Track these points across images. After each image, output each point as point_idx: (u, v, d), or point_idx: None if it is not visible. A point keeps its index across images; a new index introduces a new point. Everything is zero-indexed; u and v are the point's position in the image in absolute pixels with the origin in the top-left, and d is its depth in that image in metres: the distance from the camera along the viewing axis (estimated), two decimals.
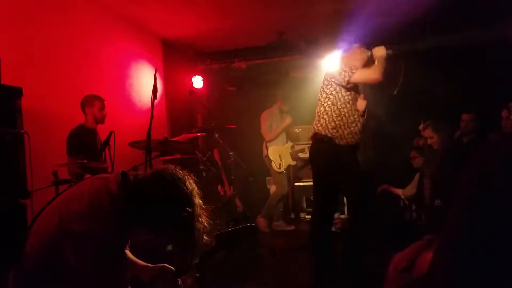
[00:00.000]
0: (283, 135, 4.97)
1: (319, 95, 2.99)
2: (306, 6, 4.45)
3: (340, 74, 2.82)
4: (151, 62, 4.92)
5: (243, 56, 5.84)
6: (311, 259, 2.93)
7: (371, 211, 3.01)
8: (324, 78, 2.97)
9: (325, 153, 2.86)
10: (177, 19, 4.57)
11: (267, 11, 4.58)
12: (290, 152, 4.95)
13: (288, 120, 4.86)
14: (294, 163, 5.02)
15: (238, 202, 4.48)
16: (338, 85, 2.85)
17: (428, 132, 3.83)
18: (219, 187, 4.38)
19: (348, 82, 2.81)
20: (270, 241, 4.13)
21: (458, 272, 0.73)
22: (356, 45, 2.95)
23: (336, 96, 2.88)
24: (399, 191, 4.47)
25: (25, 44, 3.12)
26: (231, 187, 4.41)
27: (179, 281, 1.56)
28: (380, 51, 2.81)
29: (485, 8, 4.09)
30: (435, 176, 3.74)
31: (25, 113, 2.40)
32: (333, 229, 4.43)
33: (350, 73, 2.77)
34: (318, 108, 2.97)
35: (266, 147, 4.82)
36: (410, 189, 4.32)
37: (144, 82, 4.65)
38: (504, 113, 4.07)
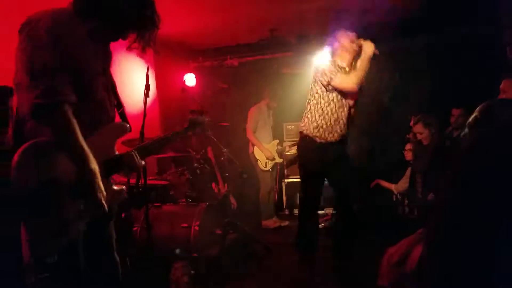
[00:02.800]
0: (270, 133, 4.97)
1: (309, 91, 3.04)
2: (297, 2, 4.45)
3: (322, 75, 2.87)
4: (143, 59, 4.88)
5: (235, 53, 5.83)
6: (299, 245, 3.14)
7: (354, 203, 3.11)
8: (313, 74, 3.01)
9: (307, 152, 3.01)
10: (168, 16, 4.52)
11: (258, 8, 4.57)
12: (276, 150, 4.95)
13: (275, 143, 4.95)
14: (280, 160, 5.04)
15: (232, 199, 4.49)
16: (322, 86, 2.92)
17: (418, 127, 3.87)
18: (213, 184, 4.38)
19: (328, 85, 2.88)
20: (264, 237, 4.14)
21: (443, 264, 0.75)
22: (350, 34, 2.95)
23: (321, 94, 2.93)
24: (392, 186, 4.51)
25: (16, 42, 3.08)
26: (225, 184, 4.41)
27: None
28: (369, 47, 2.83)
29: (476, 3, 4.13)
30: (427, 171, 3.78)
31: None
32: (325, 225, 4.49)
33: (330, 78, 2.83)
34: (306, 106, 3.05)
35: (252, 145, 4.82)
36: (402, 184, 4.36)
37: (135, 80, 4.61)
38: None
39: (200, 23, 4.90)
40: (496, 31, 3.96)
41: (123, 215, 2.85)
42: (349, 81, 2.81)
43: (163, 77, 5.35)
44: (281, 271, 3.26)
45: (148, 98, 2.72)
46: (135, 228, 2.98)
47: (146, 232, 2.67)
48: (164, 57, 5.37)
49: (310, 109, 2.99)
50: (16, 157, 1.23)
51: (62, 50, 1.31)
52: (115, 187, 1.53)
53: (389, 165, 4.97)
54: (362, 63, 2.84)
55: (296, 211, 5.54)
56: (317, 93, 2.95)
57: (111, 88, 1.57)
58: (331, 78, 2.83)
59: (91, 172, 1.33)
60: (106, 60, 1.55)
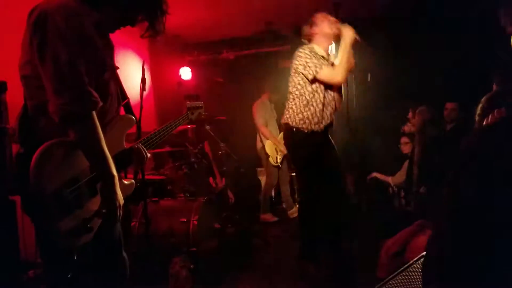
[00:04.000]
0: (276, 126, 4.95)
1: (289, 83, 2.93)
2: None
3: (305, 68, 2.75)
4: (138, 53, 4.84)
5: (231, 47, 5.79)
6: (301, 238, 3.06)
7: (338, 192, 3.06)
8: (292, 66, 2.88)
9: (295, 145, 2.93)
10: (168, 6, 4.49)
11: (254, 0, 4.53)
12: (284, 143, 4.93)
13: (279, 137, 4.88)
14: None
15: (230, 193, 4.48)
16: (305, 76, 2.80)
17: (416, 119, 3.87)
18: (210, 179, 4.37)
19: (313, 80, 2.78)
20: (263, 231, 4.15)
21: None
22: (330, 17, 2.83)
23: (304, 85, 2.83)
24: (389, 179, 4.53)
25: (8, 37, 3.03)
26: (223, 179, 4.40)
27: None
28: (349, 33, 2.72)
29: None
30: (420, 163, 3.80)
31: (9, 108, 2.35)
32: None
33: (315, 71, 2.72)
34: (288, 96, 2.95)
35: (261, 140, 4.79)
36: (399, 177, 4.39)
37: (130, 74, 4.58)
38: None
39: (195, 17, 4.86)
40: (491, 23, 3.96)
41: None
42: (336, 76, 2.73)
43: (158, 71, 5.31)
44: (280, 264, 3.27)
45: (144, 92, 2.69)
46: (133, 223, 2.97)
47: (145, 227, 2.66)
48: (159, 51, 5.33)
49: (294, 100, 2.88)
50: (37, 156, 1.19)
51: (85, 44, 1.27)
52: (125, 181, 1.52)
53: (385, 158, 4.98)
54: (343, 54, 2.72)
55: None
56: (299, 84, 2.84)
57: (118, 80, 1.55)
58: (316, 72, 2.72)
59: (112, 178, 1.31)
60: (112, 52, 1.52)
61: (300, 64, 2.77)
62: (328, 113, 2.90)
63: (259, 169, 5.47)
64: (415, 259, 1.39)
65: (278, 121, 5.07)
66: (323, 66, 2.73)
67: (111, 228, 1.51)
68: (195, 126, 4.19)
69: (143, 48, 5.00)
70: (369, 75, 3.93)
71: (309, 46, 2.85)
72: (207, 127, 4.00)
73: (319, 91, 2.82)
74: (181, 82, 5.27)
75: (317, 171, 2.94)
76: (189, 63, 5.76)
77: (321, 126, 2.89)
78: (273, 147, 4.77)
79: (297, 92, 2.86)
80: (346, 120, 4.65)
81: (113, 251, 1.52)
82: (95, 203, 1.34)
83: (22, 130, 1.33)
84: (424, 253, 1.38)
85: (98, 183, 1.34)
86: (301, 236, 3.05)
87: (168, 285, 2.66)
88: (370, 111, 4.92)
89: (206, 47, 5.91)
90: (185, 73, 5.41)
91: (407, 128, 4.73)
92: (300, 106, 2.85)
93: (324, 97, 2.84)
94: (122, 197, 1.36)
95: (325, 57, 2.88)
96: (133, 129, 2.63)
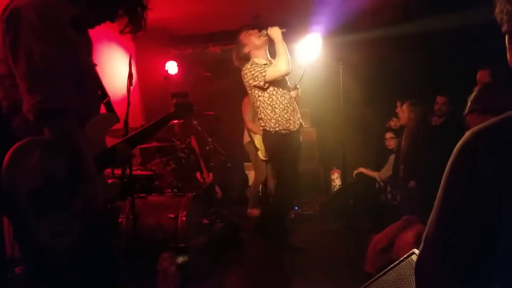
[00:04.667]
0: None
1: (250, 97, 3.23)
2: None
3: (255, 79, 3.03)
4: (123, 46, 4.75)
5: (217, 41, 5.73)
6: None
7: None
8: (245, 85, 3.16)
9: (274, 146, 3.17)
10: (149, 1, 4.41)
11: None
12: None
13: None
14: None
15: (217, 189, 4.47)
16: (259, 87, 3.07)
17: (405, 112, 3.89)
18: (197, 174, 4.35)
19: (265, 84, 3.04)
20: (251, 226, 4.15)
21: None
22: (251, 31, 3.14)
23: (261, 94, 3.11)
24: (375, 174, 4.58)
25: None
26: (210, 174, 4.38)
27: None
28: (275, 32, 2.97)
29: None
30: (408, 157, 3.85)
31: None
32: (310, 211, 4.54)
33: (262, 76, 2.99)
34: (255, 109, 3.24)
35: (250, 135, 4.77)
36: (385, 172, 4.44)
37: (116, 68, 4.49)
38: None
39: (181, 9, 4.79)
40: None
41: (108, 206, 2.79)
42: (278, 68, 2.94)
43: (144, 64, 5.22)
44: (268, 259, 3.29)
45: (131, 87, 2.65)
46: (121, 219, 2.93)
47: (132, 223, 2.63)
48: (145, 44, 5.23)
49: (260, 111, 3.15)
50: (9, 155, 1.15)
51: (59, 39, 1.22)
52: (108, 181, 1.49)
53: (372, 153, 5.04)
54: (278, 49, 2.94)
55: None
56: (258, 95, 3.11)
57: (97, 77, 1.51)
58: (263, 76, 2.97)
59: (91, 177, 1.29)
60: (90, 47, 1.48)
61: (249, 79, 3.06)
62: (292, 110, 3.14)
63: (246, 163, 5.46)
64: (405, 256, 1.41)
65: None
66: (265, 69, 3.00)
67: (99, 226, 1.48)
68: (182, 121, 4.15)
69: (129, 42, 4.91)
70: (340, 64, 4.01)
71: (248, 63, 3.13)
72: (194, 122, 3.97)
73: (274, 93, 3.09)
74: (167, 76, 5.20)
75: (289, 165, 3.19)
76: (175, 57, 5.68)
77: (295, 124, 3.14)
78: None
79: (259, 103, 3.13)
80: (332, 116, 4.69)
81: (102, 247, 1.49)
82: (75, 204, 1.30)
83: None
84: (415, 250, 1.40)
85: (77, 183, 1.30)
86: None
87: (156, 281, 2.64)
88: (357, 106, 4.97)
89: (192, 41, 5.83)
90: (172, 67, 5.33)
91: (393, 123, 4.78)
92: (267, 114, 3.11)
93: (281, 97, 3.10)
94: (102, 197, 1.34)
95: (268, 63, 3.13)
96: (120, 125, 2.60)
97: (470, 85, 3.00)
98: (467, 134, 0.79)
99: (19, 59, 1.17)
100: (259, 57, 3.13)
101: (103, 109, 1.57)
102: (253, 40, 3.11)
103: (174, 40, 5.84)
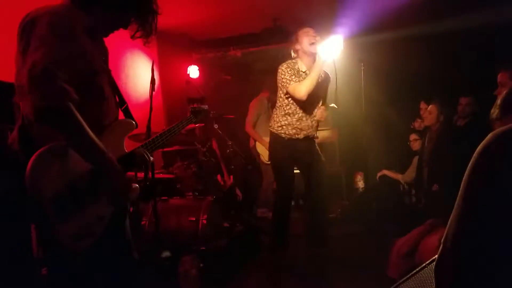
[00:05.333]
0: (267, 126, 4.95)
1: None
2: None
3: (282, 83, 3.02)
4: (146, 52, 4.85)
5: (238, 44, 5.76)
6: (273, 229, 3.31)
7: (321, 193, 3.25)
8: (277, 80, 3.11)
9: (275, 147, 3.18)
10: (170, 7, 4.46)
11: None
12: None
13: None
14: None
15: (238, 191, 4.49)
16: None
17: (433, 113, 3.77)
18: (218, 177, 4.37)
19: (286, 93, 3.04)
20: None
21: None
22: (311, 34, 2.99)
23: (283, 97, 3.09)
24: (399, 176, 4.48)
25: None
26: (231, 176, 4.40)
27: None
28: (323, 53, 2.89)
29: None
30: (432, 159, 3.75)
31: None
32: (332, 214, 4.47)
33: (286, 85, 2.97)
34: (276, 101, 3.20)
35: (254, 139, 4.77)
36: (409, 174, 4.34)
37: (140, 73, 4.59)
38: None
39: (202, 14, 4.84)
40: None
41: (131, 209, 2.85)
42: (299, 91, 2.91)
43: (166, 69, 5.32)
44: (290, 262, 3.26)
45: (153, 92, 2.70)
46: (143, 222, 2.99)
47: (155, 226, 2.68)
48: (167, 49, 5.33)
49: (276, 110, 3.18)
50: (32, 162, 1.19)
51: (69, 45, 1.26)
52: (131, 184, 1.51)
53: (396, 154, 4.94)
54: (312, 72, 2.90)
55: (300, 202, 5.53)
56: (281, 96, 3.11)
57: (114, 84, 1.54)
58: (287, 87, 2.99)
59: (109, 161, 1.29)
60: (106, 55, 1.52)
61: (279, 80, 3.05)
62: (307, 124, 3.10)
63: None
64: (427, 262, 1.37)
65: None
66: (291, 82, 2.95)
67: (121, 229, 1.51)
68: (203, 124, 4.19)
69: (152, 48, 5.01)
70: (361, 65, 3.95)
71: (289, 62, 3.08)
72: (215, 126, 4.00)
73: (292, 106, 3.07)
74: (189, 80, 5.27)
75: (289, 174, 3.20)
76: (196, 61, 5.75)
77: (300, 134, 3.10)
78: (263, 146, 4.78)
79: (278, 104, 3.15)
80: (354, 117, 4.62)
81: (122, 252, 1.52)
82: (97, 207, 1.33)
83: (21, 139, 1.32)
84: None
85: (99, 185, 1.32)
86: (273, 229, 3.29)
87: (178, 284, 2.67)
88: (379, 107, 4.88)
89: (213, 45, 5.89)
90: (193, 71, 5.40)
91: (417, 124, 4.67)
92: (279, 116, 3.12)
93: (302, 109, 3.06)
94: (127, 181, 1.35)
95: (307, 71, 3.03)
96: (143, 130, 2.66)
97: (492, 86, 2.91)
98: (489, 136, 0.77)
99: (26, 64, 1.21)
100: (304, 61, 3.05)
101: (121, 115, 1.61)
102: (304, 43, 2.98)
103: (195, 45, 5.92)
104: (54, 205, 1.22)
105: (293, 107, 3.07)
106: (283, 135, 3.11)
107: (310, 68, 3.01)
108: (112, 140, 1.43)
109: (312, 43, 2.93)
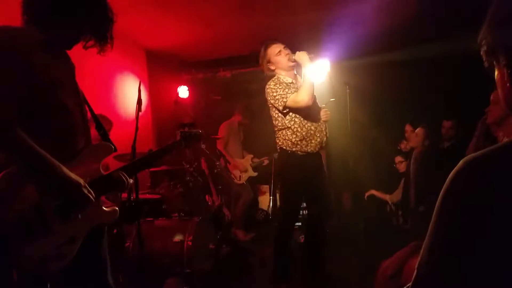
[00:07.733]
0: (240, 148, 5.02)
1: (271, 115, 3.03)
2: (289, 14, 4.49)
3: (275, 101, 2.88)
4: (136, 73, 4.88)
5: (228, 65, 5.85)
6: (275, 259, 3.07)
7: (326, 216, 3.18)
8: (267, 100, 2.98)
9: (288, 166, 3.00)
10: (160, 29, 4.56)
11: (250, 20, 4.60)
12: (250, 164, 5.02)
13: (249, 158, 5.03)
14: (255, 174, 5.08)
15: (226, 210, 4.46)
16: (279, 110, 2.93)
17: (419, 136, 3.85)
18: (206, 196, 4.35)
19: (284, 109, 2.89)
20: (259, 250, 4.10)
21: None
22: (279, 45, 2.96)
23: (282, 116, 2.94)
24: (387, 197, 4.52)
25: None
26: (219, 196, 4.39)
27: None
28: (302, 57, 2.83)
29: (470, 15, 4.18)
30: (417, 180, 3.79)
31: None
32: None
33: (283, 101, 2.83)
34: (274, 128, 3.05)
35: (224, 160, 4.76)
36: (397, 195, 4.37)
37: (128, 93, 4.60)
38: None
39: (192, 36, 4.92)
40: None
41: (115, 231, 2.81)
42: (301, 100, 2.79)
43: (155, 89, 5.35)
44: (277, 284, 3.22)
45: (140, 112, 2.71)
46: (127, 244, 2.94)
47: (139, 248, 2.64)
48: (157, 69, 5.38)
49: (279, 130, 2.99)
50: None
51: (16, 63, 1.24)
52: (106, 209, 1.49)
53: (383, 175, 4.98)
54: (303, 78, 2.83)
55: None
56: (278, 116, 2.95)
57: (82, 100, 1.52)
58: (284, 102, 2.83)
59: (61, 173, 1.26)
60: (70, 68, 1.50)
61: (271, 99, 2.90)
62: (317, 133, 2.97)
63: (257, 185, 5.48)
64: (408, 285, 1.37)
65: (244, 144, 5.10)
66: (287, 95, 2.82)
67: (97, 252, 1.49)
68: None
69: (141, 68, 5.05)
70: (347, 87, 4.01)
71: (274, 79, 2.98)
72: (203, 146, 4.00)
73: (296, 119, 2.92)
74: (177, 100, 5.30)
75: (297, 199, 3.07)
76: (186, 82, 5.81)
77: (314, 146, 2.96)
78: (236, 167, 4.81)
79: (279, 125, 2.96)
80: (342, 137, 4.67)
81: (96, 277, 1.49)
82: (67, 228, 1.31)
83: None
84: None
85: (67, 207, 1.30)
86: (275, 258, 3.08)
87: None
88: (365, 129, 4.95)
89: (203, 66, 5.97)
90: (183, 91, 5.44)
91: (403, 145, 4.75)
92: (287, 134, 2.94)
93: (306, 119, 2.93)
94: (87, 203, 1.33)
95: (294, 81, 2.98)
96: (129, 150, 2.65)
97: (476, 110, 2.98)
98: (461, 162, 0.79)
99: None
100: (286, 75, 2.97)
101: (96, 134, 1.60)
102: (281, 62, 2.94)
103: (185, 66, 5.99)
104: (17, 228, 1.21)
105: (298, 120, 2.91)
106: (299, 153, 2.92)
107: (294, 77, 2.99)
108: (87, 162, 1.43)
109: (290, 60, 2.90)
